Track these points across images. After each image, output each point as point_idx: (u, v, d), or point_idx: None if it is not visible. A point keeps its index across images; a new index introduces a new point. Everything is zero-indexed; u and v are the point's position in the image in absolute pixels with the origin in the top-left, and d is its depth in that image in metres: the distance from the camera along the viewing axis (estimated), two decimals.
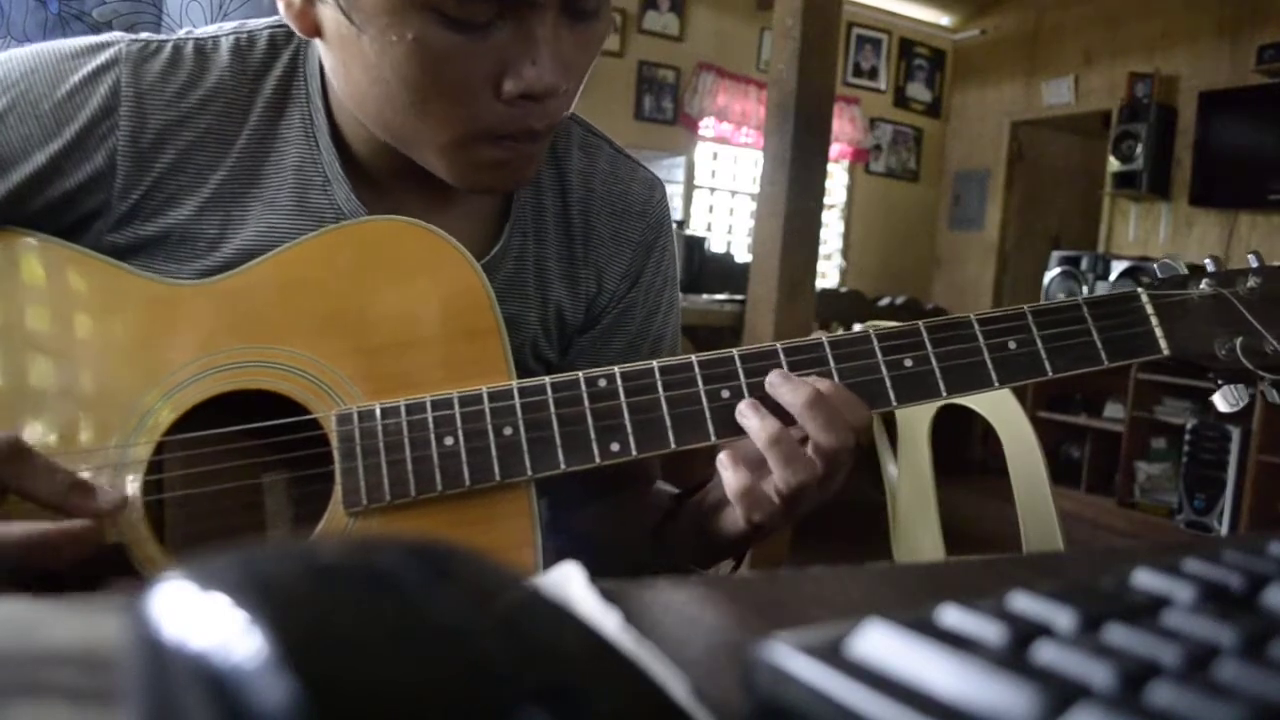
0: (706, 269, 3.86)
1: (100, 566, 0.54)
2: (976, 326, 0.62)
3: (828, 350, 0.61)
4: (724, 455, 0.59)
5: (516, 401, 0.59)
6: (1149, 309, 0.64)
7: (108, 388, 0.59)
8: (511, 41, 0.56)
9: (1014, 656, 0.20)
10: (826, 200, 3.17)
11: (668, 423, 0.59)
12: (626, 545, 0.75)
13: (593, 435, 0.59)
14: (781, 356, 0.60)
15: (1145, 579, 0.25)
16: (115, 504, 0.54)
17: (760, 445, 0.58)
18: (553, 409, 0.59)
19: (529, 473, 0.58)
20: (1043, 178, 5.61)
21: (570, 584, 0.31)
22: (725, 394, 0.60)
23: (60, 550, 0.51)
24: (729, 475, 0.59)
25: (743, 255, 4.17)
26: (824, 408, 0.57)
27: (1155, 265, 0.66)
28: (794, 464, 0.57)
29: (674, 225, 0.83)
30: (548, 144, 0.65)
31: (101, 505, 0.53)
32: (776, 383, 0.59)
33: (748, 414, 0.59)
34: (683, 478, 0.73)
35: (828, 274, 5.53)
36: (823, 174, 2.81)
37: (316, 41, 0.63)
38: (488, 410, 0.59)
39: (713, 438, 0.59)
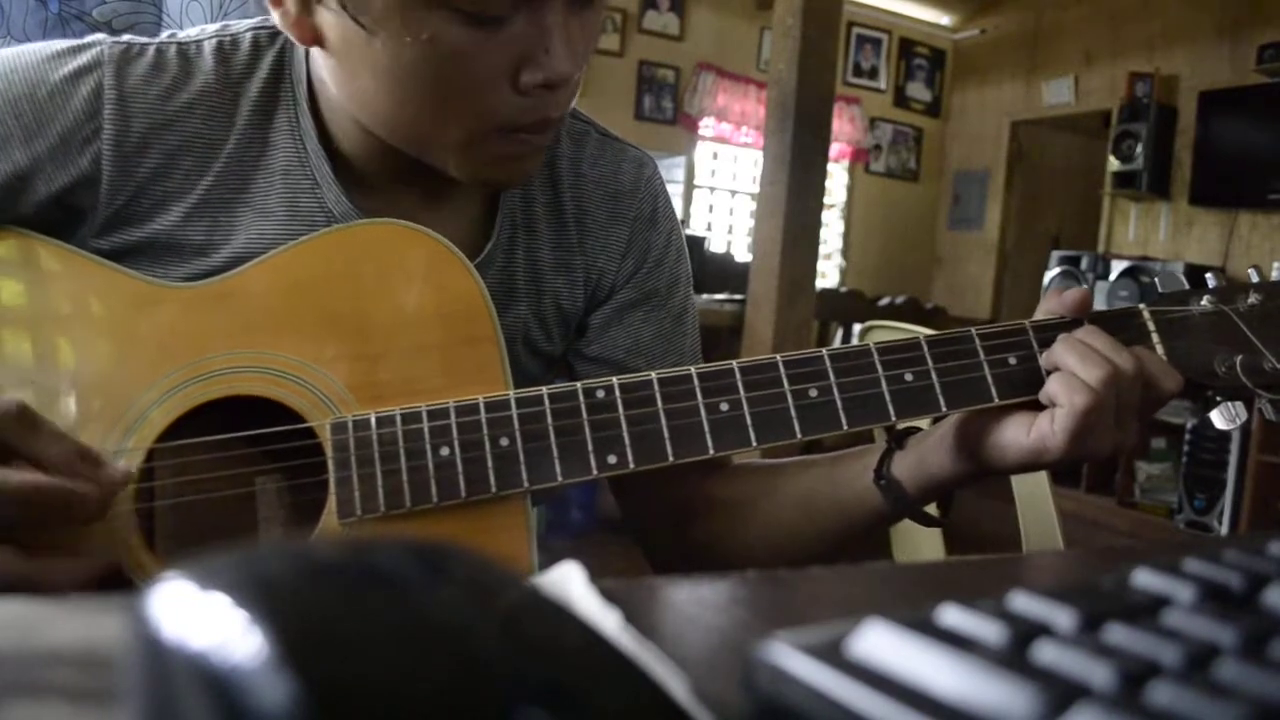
0: (706, 269, 3.86)
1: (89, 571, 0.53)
2: (977, 341, 0.61)
3: (828, 364, 0.60)
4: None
5: (514, 412, 0.58)
6: (1150, 325, 0.64)
7: (98, 391, 0.58)
8: (526, 32, 0.56)
9: (1014, 656, 0.20)
10: (826, 200, 3.16)
11: (665, 435, 0.58)
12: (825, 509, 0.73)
13: (590, 447, 0.58)
14: (781, 369, 0.60)
15: (1145, 579, 0.25)
16: (123, 476, 0.53)
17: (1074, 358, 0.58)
18: (550, 420, 0.58)
19: (525, 484, 0.57)
20: (1043, 177, 5.61)
21: (570, 584, 0.31)
22: (724, 406, 0.59)
23: (60, 508, 0.50)
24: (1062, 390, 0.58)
25: (743, 255, 4.17)
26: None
27: (1157, 278, 0.66)
28: (1091, 361, 0.58)
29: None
30: (555, 133, 0.66)
31: (109, 475, 0.52)
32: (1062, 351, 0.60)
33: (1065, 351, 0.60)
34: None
35: (828, 274, 5.52)
36: (823, 174, 2.82)
37: (314, 50, 0.62)
38: (484, 421, 0.58)
39: (710, 450, 0.59)
